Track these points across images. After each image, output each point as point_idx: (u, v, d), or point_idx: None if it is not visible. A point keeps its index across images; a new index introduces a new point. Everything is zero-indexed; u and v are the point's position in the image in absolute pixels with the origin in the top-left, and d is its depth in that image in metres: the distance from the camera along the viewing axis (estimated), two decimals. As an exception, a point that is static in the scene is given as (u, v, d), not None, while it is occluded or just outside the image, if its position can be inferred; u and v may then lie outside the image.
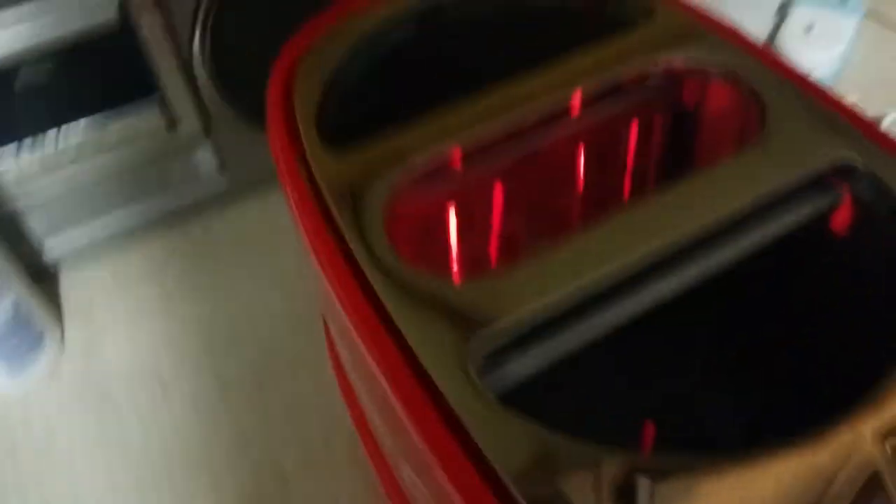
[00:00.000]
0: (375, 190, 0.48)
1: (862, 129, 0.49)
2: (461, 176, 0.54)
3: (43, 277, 1.04)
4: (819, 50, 1.17)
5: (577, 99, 0.55)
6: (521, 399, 0.41)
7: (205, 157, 1.06)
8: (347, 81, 0.58)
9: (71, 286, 1.06)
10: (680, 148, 0.64)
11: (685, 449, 0.37)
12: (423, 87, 0.66)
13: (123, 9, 0.87)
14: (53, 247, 1.04)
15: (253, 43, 0.96)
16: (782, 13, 1.27)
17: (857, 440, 0.35)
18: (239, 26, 0.95)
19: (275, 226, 1.09)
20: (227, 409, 0.90)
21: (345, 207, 0.47)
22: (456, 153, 0.52)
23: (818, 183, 0.48)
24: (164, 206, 1.08)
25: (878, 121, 0.91)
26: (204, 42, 0.93)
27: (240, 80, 0.99)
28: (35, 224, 1.00)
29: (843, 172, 0.48)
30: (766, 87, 0.53)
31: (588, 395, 0.51)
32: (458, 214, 0.58)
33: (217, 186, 1.10)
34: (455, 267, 0.62)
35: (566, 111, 0.56)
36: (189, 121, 1.00)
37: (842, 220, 0.49)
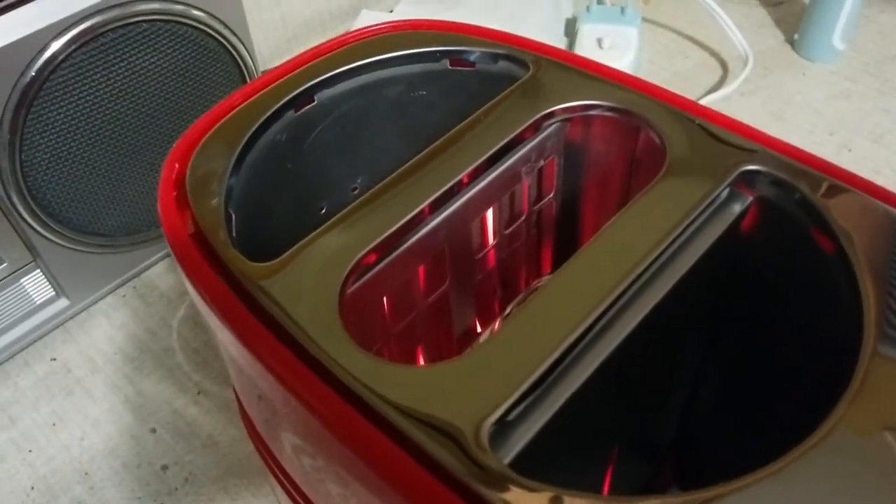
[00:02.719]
0: (324, 295, 0.46)
1: (750, 136, 0.54)
2: (397, 263, 0.53)
3: None
4: (615, 60, 1.26)
5: (482, 164, 0.55)
6: (534, 463, 0.40)
7: (36, 285, 0.97)
8: (247, 186, 0.55)
9: None
10: (585, 191, 0.67)
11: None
12: (323, 176, 0.64)
13: None
14: None
15: (72, 158, 0.89)
16: (570, 33, 1.37)
17: None
18: (53, 140, 0.87)
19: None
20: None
21: (303, 326, 0.44)
22: (387, 243, 0.51)
23: (731, 192, 0.52)
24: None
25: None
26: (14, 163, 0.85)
27: (59, 199, 0.91)
28: None
29: (747, 178, 0.53)
30: (658, 117, 0.56)
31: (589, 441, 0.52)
32: (399, 300, 0.57)
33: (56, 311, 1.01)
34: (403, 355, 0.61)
35: (475, 178, 0.56)
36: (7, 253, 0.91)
37: (754, 219, 0.53)
